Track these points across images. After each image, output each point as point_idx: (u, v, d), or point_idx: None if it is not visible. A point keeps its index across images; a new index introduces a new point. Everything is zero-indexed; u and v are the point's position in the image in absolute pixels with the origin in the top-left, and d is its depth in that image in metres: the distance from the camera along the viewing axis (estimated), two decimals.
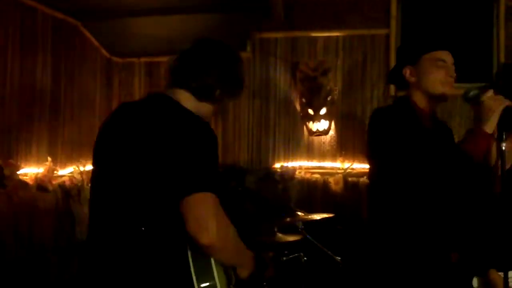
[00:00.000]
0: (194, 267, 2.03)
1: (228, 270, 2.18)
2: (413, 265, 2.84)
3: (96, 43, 6.60)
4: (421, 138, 2.79)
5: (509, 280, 3.29)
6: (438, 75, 2.89)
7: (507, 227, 2.92)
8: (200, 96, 2.25)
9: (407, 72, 2.97)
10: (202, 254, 2.03)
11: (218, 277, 2.06)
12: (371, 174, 3.14)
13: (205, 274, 2.04)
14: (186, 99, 2.22)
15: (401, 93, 3.26)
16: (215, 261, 2.08)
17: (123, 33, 6.50)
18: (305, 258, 4.51)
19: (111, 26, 6.35)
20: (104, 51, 6.75)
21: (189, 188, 1.95)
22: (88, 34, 6.45)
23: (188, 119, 2.09)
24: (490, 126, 2.67)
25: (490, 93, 2.70)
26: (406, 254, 2.85)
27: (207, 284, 2.04)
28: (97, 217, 2.17)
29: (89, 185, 2.32)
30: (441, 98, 2.94)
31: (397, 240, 2.89)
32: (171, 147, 1.99)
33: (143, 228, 2.02)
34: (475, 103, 2.74)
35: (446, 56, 2.92)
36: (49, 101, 5.85)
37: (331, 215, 4.89)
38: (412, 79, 2.96)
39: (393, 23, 6.23)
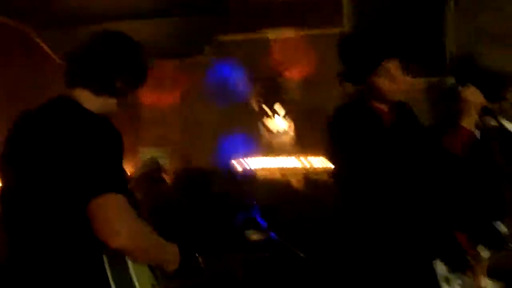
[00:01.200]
0: (112, 275, 1.97)
1: (153, 267, 2.11)
2: (381, 259, 2.90)
3: (49, 50, 6.54)
4: (377, 137, 2.85)
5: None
6: (388, 87, 2.90)
7: (470, 210, 3.05)
8: (99, 91, 2.10)
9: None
10: (119, 257, 1.96)
11: (139, 279, 2.00)
12: (334, 171, 3.19)
13: (123, 280, 1.98)
14: (86, 98, 2.09)
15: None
16: (133, 263, 2.01)
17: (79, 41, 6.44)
18: (270, 256, 4.56)
19: (67, 34, 6.30)
20: (57, 59, 6.70)
21: (91, 191, 1.88)
22: (42, 42, 6.38)
23: (84, 119, 1.94)
24: (470, 121, 2.75)
25: (470, 89, 2.75)
26: (372, 249, 2.91)
27: (121, 277, 1.97)
28: (11, 234, 2.09)
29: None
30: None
31: (361, 234, 2.95)
32: (70, 150, 1.87)
33: (54, 232, 1.95)
34: (450, 94, 2.80)
35: (394, 68, 2.91)
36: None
37: (293, 210, 4.95)
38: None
39: (346, 22, 6.34)
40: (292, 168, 6.36)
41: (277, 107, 6.28)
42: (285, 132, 6.27)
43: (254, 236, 4.73)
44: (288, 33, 6.50)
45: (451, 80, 2.85)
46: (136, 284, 1.97)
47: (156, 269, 2.13)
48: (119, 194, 1.88)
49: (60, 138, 1.94)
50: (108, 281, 1.92)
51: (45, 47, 6.47)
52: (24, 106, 2.18)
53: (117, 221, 1.88)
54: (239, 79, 6.57)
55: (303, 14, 6.40)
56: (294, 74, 6.46)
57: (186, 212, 6.03)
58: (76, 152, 1.90)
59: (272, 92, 6.32)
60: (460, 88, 2.78)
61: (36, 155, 1.98)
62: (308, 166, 6.25)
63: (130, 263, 1.99)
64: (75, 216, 1.90)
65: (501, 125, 2.94)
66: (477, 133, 2.76)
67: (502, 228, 3.63)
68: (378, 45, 2.92)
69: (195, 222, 5.90)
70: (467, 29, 6.12)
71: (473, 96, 2.75)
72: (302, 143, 6.41)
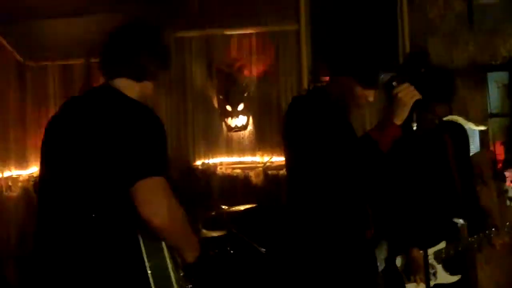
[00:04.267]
0: (145, 250, 2.09)
1: (174, 256, 2.26)
2: (331, 249, 2.99)
3: (8, 46, 6.46)
4: (335, 128, 2.94)
5: (429, 257, 3.53)
6: (356, 102, 3.02)
7: (425, 206, 3.14)
8: (138, 77, 2.31)
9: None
10: (153, 238, 2.08)
11: (172, 266, 2.14)
12: (288, 162, 3.27)
13: (155, 255, 2.11)
14: (127, 86, 2.27)
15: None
16: (165, 245, 2.14)
17: (36, 36, 6.39)
18: (231, 252, 4.63)
19: (23, 29, 6.24)
20: (16, 55, 6.62)
21: (139, 173, 2.00)
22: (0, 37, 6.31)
23: (130, 106, 2.13)
24: (401, 119, 2.85)
25: (404, 86, 2.86)
26: (323, 239, 3.01)
27: (157, 263, 2.10)
28: (47, 212, 2.19)
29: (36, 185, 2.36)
30: None
31: (314, 226, 3.04)
32: (116, 135, 2.04)
33: (93, 215, 2.07)
34: (387, 89, 2.91)
35: (369, 95, 3.03)
36: None
37: (253, 205, 5.03)
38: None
39: (303, 19, 6.43)
40: (251, 163, 6.42)
41: (236, 103, 6.33)
42: (244, 128, 6.32)
43: (216, 233, 4.80)
44: (245, 30, 6.55)
45: (386, 77, 2.97)
46: (168, 261, 2.11)
47: (176, 258, 2.28)
48: (162, 177, 2.03)
49: (107, 123, 2.11)
50: (145, 266, 2.05)
51: (5, 44, 6.39)
52: None
53: (160, 202, 2.01)
54: (197, 75, 6.60)
55: (260, 10, 6.45)
56: (252, 70, 6.52)
57: None
58: (122, 136, 2.05)
59: (231, 88, 6.36)
60: (395, 84, 2.88)
61: (82, 140, 2.13)
62: (267, 161, 6.33)
63: (163, 244, 2.13)
64: (116, 196, 2.03)
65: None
66: (414, 127, 2.86)
67: (461, 221, 3.76)
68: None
69: None
70: (420, 25, 6.27)
71: (405, 92, 2.83)
72: (261, 139, 6.47)
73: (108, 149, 2.05)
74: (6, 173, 6.10)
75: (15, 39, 6.41)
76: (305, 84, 6.32)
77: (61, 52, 6.52)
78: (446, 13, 6.25)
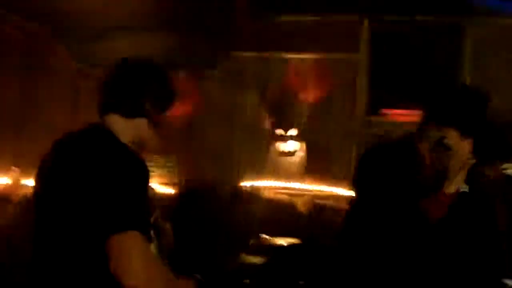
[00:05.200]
0: None
1: None
2: None
3: (67, 57, 6.56)
4: (410, 187, 2.70)
5: None
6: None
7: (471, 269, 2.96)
8: (130, 115, 2.18)
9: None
10: None
11: None
12: (352, 201, 3.13)
13: None
14: (119, 123, 2.14)
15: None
16: None
17: (95, 49, 6.46)
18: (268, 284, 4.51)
19: (83, 43, 6.32)
20: (74, 65, 6.70)
21: (112, 227, 1.87)
22: (59, 47, 6.40)
23: (114, 153, 2.00)
24: (454, 186, 2.60)
25: (462, 147, 2.57)
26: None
27: None
28: (37, 247, 2.14)
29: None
30: None
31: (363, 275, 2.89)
32: (95, 185, 1.92)
33: (74, 260, 1.99)
34: (438, 148, 2.63)
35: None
36: (17, 108, 5.79)
37: (297, 241, 4.90)
38: None
39: (363, 48, 6.33)
40: (299, 190, 6.31)
41: (288, 128, 6.25)
42: (296, 154, 6.23)
43: (255, 259, 4.69)
44: (304, 55, 6.49)
45: (434, 134, 2.62)
46: None
47: None
48: (139, 233, 1.91)
49: (88, 170, 1.96)
50: None
51: (64, 54, 6.49)
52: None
53: (134, 260, 1.87)
54: (250, 97, 6.55)
55: (321, 37, 6.38)
56: (307, 96, 6.44)
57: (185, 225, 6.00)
58: (101, 186, 1.93)
59: (283, 112, 6.30)
60: (445, 140, 2.60)
61: (64, 186, 2.02)
62: (315, 189, 6.21)
63: None
64: (95, 249, 1.92)
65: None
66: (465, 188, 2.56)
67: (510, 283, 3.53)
68: None
69: (191, 237, 5.87)
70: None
71: (462, 154, 2.58)
72: (311, 166, 6.37)
73: (87, 197, 1.95)
74: None
75: (75, 51, 6.50)
76: (360, 113, 6.24)
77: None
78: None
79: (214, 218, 5.84)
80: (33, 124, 6.02)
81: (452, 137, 2.49)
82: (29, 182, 5.82)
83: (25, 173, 5.70)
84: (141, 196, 1.99)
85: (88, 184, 1.96)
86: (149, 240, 2.01)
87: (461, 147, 2.46)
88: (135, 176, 2.00)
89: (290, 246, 4.82)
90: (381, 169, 2.68)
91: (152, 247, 2.07)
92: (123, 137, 2.15)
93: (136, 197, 1.97)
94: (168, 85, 2.32)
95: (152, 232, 3.02)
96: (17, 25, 5.79)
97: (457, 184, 2.45)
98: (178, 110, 6.55)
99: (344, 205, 5.96)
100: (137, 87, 2.17)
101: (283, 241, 4.78)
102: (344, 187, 6.08)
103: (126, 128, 2.16)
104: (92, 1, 5.47)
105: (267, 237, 4.89)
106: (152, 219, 4.03)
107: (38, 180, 2.23)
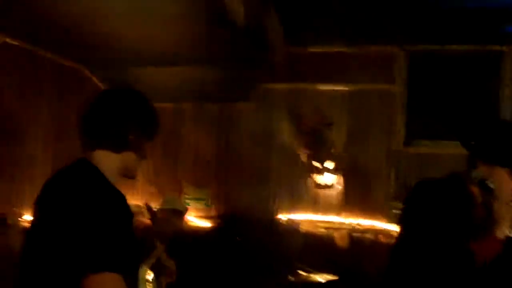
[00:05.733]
0: None
1: None
2: None
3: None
4: (461, 227, 2.59)
5: None
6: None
7: None
8: (116, 149, 2.15)
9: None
10: None
11: None
12: (398, 237, 3.04)
13: None
14: (106, 158, 2.10)
15: None
16: None
17: (130, 82, 6.50)
18: None
19: (118, 75, 6.36)
20: None
21: (87, 266, 1.87)
22: (94, 81, 6.46)
23: (97, 192, 1.97)
24: (503, 232, 2.48)
25: (507, 192, 2.41)
26: None
27: None
28: (20, 279, 2.13)
29: None
30: None
31: None
32: (75, 222, 1.89)
33: None
34: (482, 189, 2.48)
35: None
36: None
37: (334, 277, 4.82)
38: None
39: (399, 79, 6.26)
40: (337, 223, 6.23)
41: (323, 160, 6.18)
42: (333, 187, 6.15)
43: None
44: (337, 86, 6.44)
45: (477, 174, 2.39)
46: None
47: None
48: (117, 274, 1.86)
49: (70, 209, 1.96)
50: None
51: (99, 86, 6.58)
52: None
53: None
54: (284, 129, 6.51)
55: (354, 68, 6.33)
56: (342, 128, 6.38)
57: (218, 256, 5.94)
58: (81, 225, 1.94)
59: (319, 144, 6.24)
60: (489, 183, 2.36)
61: (48, 221, 2.01)
62: (354, 223, 6.12)
63: None
64: (71, 287, 1.90)
65: None
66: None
67: None
68: None
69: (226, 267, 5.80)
70: None
71: (505, 195, 2.33)
72: (348, 199, 6.28)
73: (67, 235, 1.92)
74: None
75: (109, 84, 6.55)
76: (397, 146, 6.13)
77: (153, 97, 6.56)
78: None
79: (251, 251, 5.79)
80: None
81: (500, 177, 2.37)
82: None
83: None
84: (122, 237, 1.95)
85: (70, 222, 1.94)
86: (134, 281, 1.97)
87: (505, 188, 2.33)
88: (117, 217, 1.96)
89: (328, 283, 4.73)
90: (431, 205, 2.54)
91: None
92: (110, 172, 2.14)
93: (117, 238, 1.93)
94: (150, 111, 2.30)
95: (151, 273, 2.96)
96: (54, 63, 5.88)
97: (506, 229, 2.31)
98: (213, 143, 6.56)
99: (383, 238, 5.88)
100: (120, 120, 2.16)
101: (320, 278, 4.69)
102: (382, 220, 5.99)
103: (114, 162, 2.16)
104: (127, 35, 5.51)
105: (304, 273, 4.81)
106: (153, 259, 4.01)
107: (32, 214, 2.24)
